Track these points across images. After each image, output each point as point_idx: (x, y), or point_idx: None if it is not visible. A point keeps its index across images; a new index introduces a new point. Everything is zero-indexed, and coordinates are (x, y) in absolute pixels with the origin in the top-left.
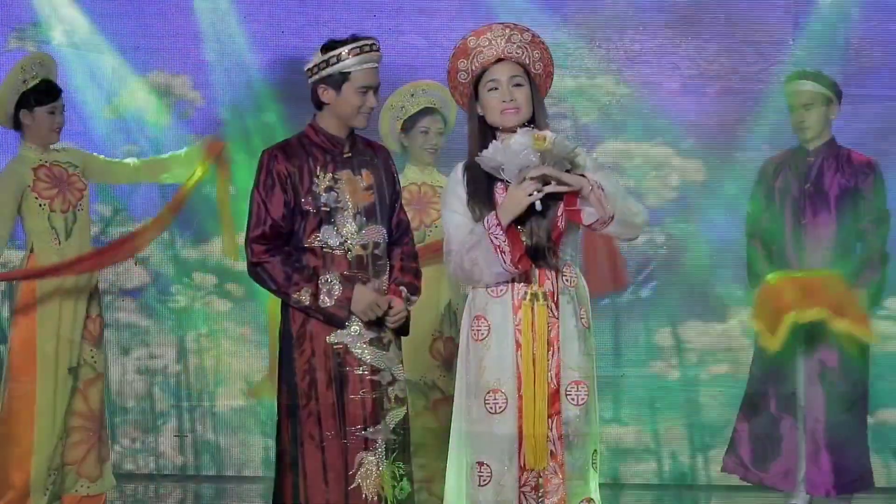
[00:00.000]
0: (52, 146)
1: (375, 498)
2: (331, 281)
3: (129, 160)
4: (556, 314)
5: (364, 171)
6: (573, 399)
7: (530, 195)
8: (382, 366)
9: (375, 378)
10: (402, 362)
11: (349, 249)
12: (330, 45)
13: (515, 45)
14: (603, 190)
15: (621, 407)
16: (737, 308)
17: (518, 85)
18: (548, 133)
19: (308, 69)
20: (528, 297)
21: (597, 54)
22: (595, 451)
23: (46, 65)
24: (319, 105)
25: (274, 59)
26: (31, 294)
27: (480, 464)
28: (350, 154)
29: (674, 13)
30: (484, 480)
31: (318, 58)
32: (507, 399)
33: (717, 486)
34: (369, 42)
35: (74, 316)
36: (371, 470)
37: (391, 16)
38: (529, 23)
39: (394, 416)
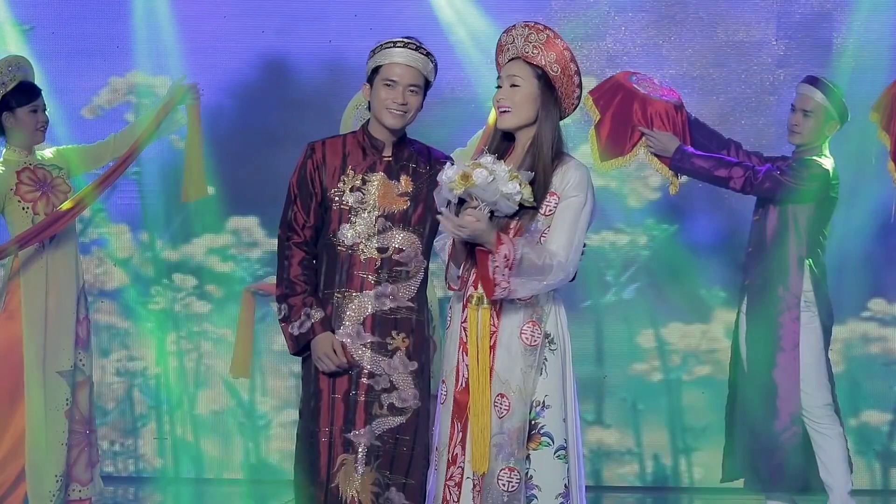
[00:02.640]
0: (36, 148)
1: (350, 501)
2: (311, 315)
3: (108, 137)
4: (496, 323)
5: (404, 178)
6: (498, 410)
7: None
8: (380, 371)
9: (369, 382)
10: (416, 373)
11: (362, 251)
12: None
13: (531, 45)
14: (511, 265)
15: (603, 409)
16: (720, 309)
17: (514, 85)
18: (476, 172)
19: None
20: (473, 299)
21: (578, 54)
22: (509, 468)
23: (23, 66)
24: (370, 106)
25: (255, 59)
26: (16, 296)
27: (436, 449)
28: (391, 158)
29: (655, 13)
30: (436, 465)
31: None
32: (447, 392)
33: (700, 488)
34: (403, 39)
35: (61, 318)
36: (350, 472)
37: (372, 16)
38: (510, 23)
39: (382, 424)
